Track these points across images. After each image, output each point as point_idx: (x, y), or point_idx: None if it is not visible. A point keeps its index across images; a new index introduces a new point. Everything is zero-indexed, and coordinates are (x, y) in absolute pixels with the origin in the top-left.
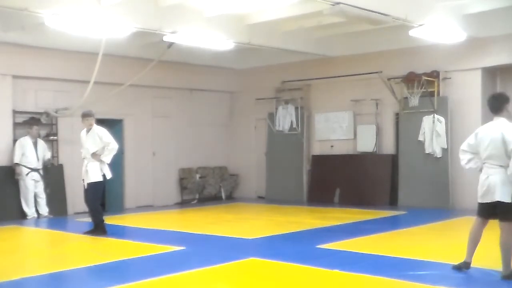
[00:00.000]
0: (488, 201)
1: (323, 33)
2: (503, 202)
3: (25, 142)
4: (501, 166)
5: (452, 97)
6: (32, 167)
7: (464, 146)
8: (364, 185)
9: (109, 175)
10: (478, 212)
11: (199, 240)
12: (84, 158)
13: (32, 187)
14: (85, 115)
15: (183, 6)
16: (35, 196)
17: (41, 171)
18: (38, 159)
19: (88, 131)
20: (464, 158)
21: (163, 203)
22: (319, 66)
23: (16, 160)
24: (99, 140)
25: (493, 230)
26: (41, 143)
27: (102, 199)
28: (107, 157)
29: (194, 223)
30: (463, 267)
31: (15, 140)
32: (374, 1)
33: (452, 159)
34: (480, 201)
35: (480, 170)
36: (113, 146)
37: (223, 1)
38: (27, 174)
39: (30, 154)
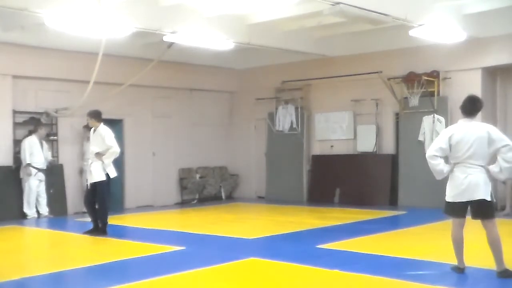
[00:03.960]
0: (464, 200)
1: (323, 33)
2: (486, 200)
3: (33, 142)
4: (481, 166)
5: (452, 97)
6: (38, 167)
7: (435, 152)
8: (364, 185)
9: (112, 174)
10: (453, 213)
11: (199, 240)
12: (88, 158)
13: (35, 187)
14: (87, 115)
15: (183, 6)
16: (37, 196)
17: (44, 171)
18: (44, 160)
19: (94, 130)
20: (438, 163)
21: (163, 203)
22: (319, 66)
23: (28, 160)
24: (102, 141)
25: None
26: (44, 143)
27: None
28: (108, 160)
29: (194, 223)
30: (458, 272)
31: (15, 140)
32: (374, 1)
33: None
34: (453, 200)
35: (450, 171)
36: (115, 150)
37: (223, 1)
38: (34, 174)
39: (38, 154)
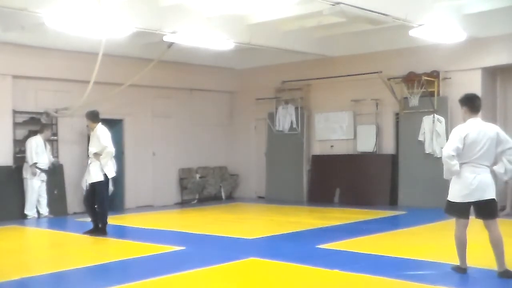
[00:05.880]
0: (473, 200)
1: (323, 33)
2: (494, 200)
3: (39, 142)
4: (487, 166)
5: (452, 97)
6: (42, 167)
7: (453, 151)
8: (364, 185)
9: (110, 175)
10: (458, 213)
11: (199, 240)
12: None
13: (37, 188)
14: (85, 116)
15: (183, 6)
16: (38, 196)
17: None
18: (48, 160)
19: (93, 131)
20: (455, 163)
21: (163, 203)
22: (319, 66)
23: (34, 159)
24: (98, 141)
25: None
26: (47, 144)
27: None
28: (104, 160)
29: (194, 223)
30: (460, 272)
31: (15, 140)
32: (374, 1)
33: None
34: (461, 200)
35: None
36: (109, 150)
37: (223, 1)
38: (38, 174)
39: (42, 155)
